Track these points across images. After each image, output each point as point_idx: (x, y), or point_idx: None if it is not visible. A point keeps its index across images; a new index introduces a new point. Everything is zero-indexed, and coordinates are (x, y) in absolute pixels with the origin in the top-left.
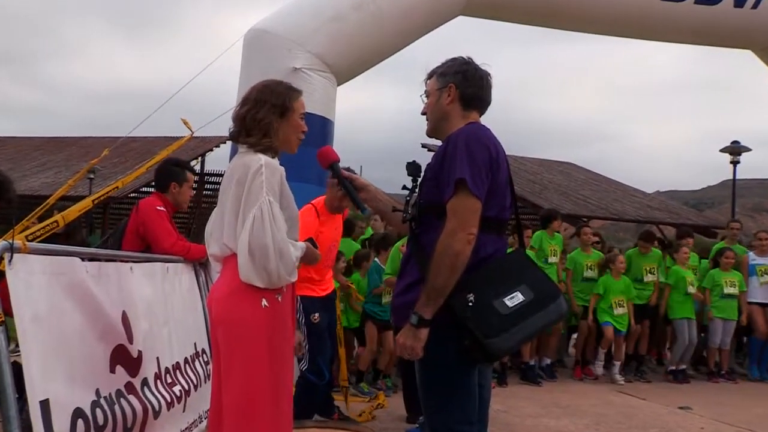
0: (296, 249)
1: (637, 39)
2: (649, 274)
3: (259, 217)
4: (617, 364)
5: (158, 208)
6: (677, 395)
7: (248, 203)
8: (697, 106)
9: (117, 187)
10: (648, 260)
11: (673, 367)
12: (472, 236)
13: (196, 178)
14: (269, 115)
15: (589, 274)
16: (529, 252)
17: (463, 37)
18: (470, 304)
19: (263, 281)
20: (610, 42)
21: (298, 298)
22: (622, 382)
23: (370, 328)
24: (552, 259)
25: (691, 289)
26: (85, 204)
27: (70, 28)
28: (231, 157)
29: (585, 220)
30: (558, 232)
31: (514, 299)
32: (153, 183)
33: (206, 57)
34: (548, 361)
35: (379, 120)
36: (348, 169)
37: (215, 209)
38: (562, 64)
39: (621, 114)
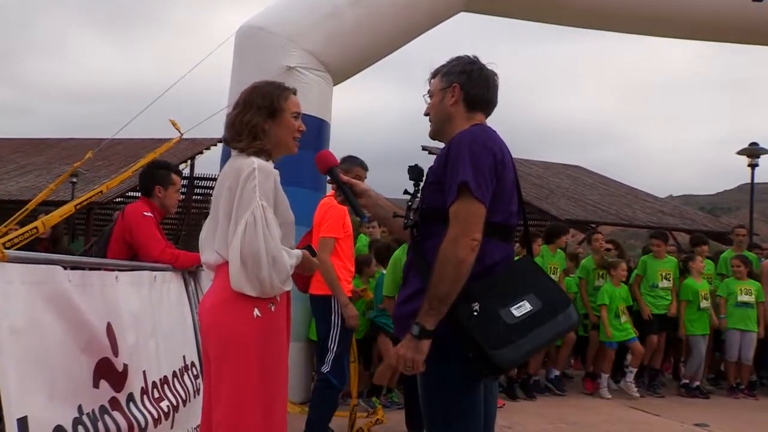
0: (291, 257)
1: (647, 35)
2: (664, 280)
3: (252, 223)
4: (633, 371)
5: (145, 213)
6: (693, 411)
7: (240, 209)
8: (713, 106)
9: (101, 192)
10: (664, 265)
11: (686, 381)
12: (476, 243)
13: (185, 181)
14: (256, 117)
15: (600, 283)
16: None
17: (463, 34)
18: (475, 313)
19: (255, 290)
20: (619, 38)
21: (333, 298)
22: (637, 395)
23: (384, 342)
24: (554, 277)
25: (705, 304)
26: (68, 209)
27: (47, 23)
28: (222, 160)
29: (593, 226)
30: (562, 248)
31: (522, 308)
32: (140, 189)
33: (196, 54)
34: (556, 372)
35: (377, 121)
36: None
37: (209, 216)
38: (569, 61)
39: (632, 114)
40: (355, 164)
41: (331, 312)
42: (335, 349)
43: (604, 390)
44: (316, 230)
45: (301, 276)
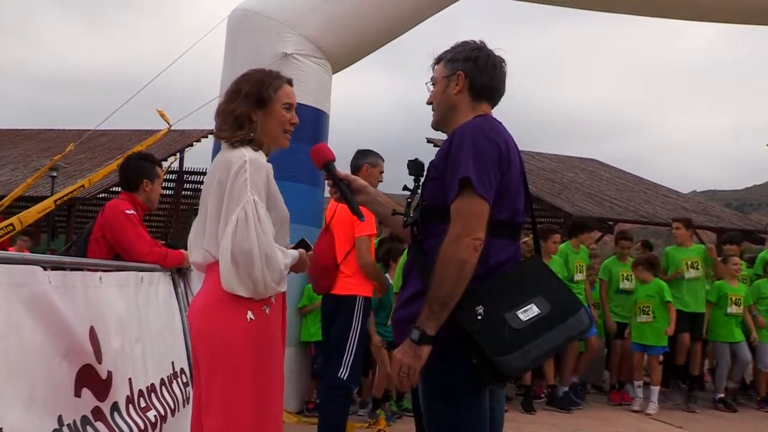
0: (286, 256)
1: (670, 18)
2: (691, 270)
3: (243, 218)
4: (655, 390)
5: (127, 211)
6: (719, 425)
7: (231, 204)
8: (741, 93)
9: (83, 186)
10: (689, 254)
11: (721, 395)
12: (479, 242)
13: (174, 176)
14: (242, 105)
15: (625, 285)
16: (554, 261)
17: (468, 16)
18: (479, 317)
19: (248, 290)
20: (633, 20)
21: (362, 299)
22: (653, 412)
23: (378, 350)
24: (578, 277)
25: (734, 309)
26: (47, 205)
27: (9, 1)
28: (214, 153)
29: (610, 223)
30: (584, 244)
31: (529, 312)
32: (121, 183)
33: (185, 40)
34: (574, 379)
35: (376, 111)
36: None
37: (198, 213)
38: (582, 46)
39: (652, 103)
40: (378, 158)
41: (354, 313)
42: (354, 351)
43: (638, 401)
44: (339, 229)
45: (323, 277)
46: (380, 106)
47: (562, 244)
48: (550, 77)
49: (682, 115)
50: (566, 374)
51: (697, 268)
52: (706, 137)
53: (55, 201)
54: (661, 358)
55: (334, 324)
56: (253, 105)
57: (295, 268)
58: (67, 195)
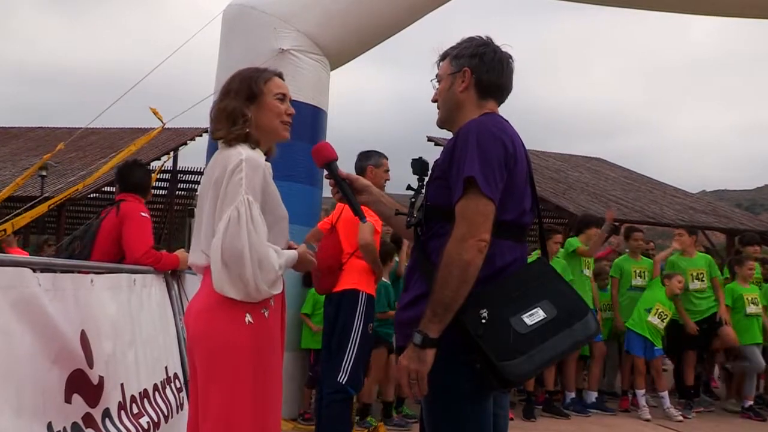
0: (280, 256)
1: (676, 13)
2: (696, 281)
3: (235, 218)
4: (665, 395)
5: (143, 214)
6: (724, 429)
7: (224, 204)
8: (750, 89)
9: (77, 190)
10: (694, 264)
11: (750, 403)
12: (484, 243)
13: (168, 175)
14: (233, 102)
15: (638, 282)
16: (556, 262)
17: (465, 12)
18: (483, 321)
19: (239, 292)
20: (637, 14)
21: (364, 295)
22: (680, 418)
23: (375, 354)
24: (587, 272)
25: (753, 309)
26: (41, 210)
27: None
28: (208, 152)
29: (616, 224)
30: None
31: (534, 316)
32: (126, 186)
33: (179, 36)
34: (594, 395)
35: (377, 106)
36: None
37: (196, 213)
38: (587, 42)
39: (659, 100)
40: (381, 157)
41: (356, 310)
42: (354, 354)
43: (644, 410)
44: (344, 229)
45: (326, 276)
46: (379, 104)
47: (571, 238)
48: (554, 75)
49: (691, 113)
50: (569, 381)
51: (702, 280)
52: (716, 135)
53: (50, 206)
54: None
55: (336, 326)
56: (245, 101)
57: (299, 267)
58: (61, 199)
